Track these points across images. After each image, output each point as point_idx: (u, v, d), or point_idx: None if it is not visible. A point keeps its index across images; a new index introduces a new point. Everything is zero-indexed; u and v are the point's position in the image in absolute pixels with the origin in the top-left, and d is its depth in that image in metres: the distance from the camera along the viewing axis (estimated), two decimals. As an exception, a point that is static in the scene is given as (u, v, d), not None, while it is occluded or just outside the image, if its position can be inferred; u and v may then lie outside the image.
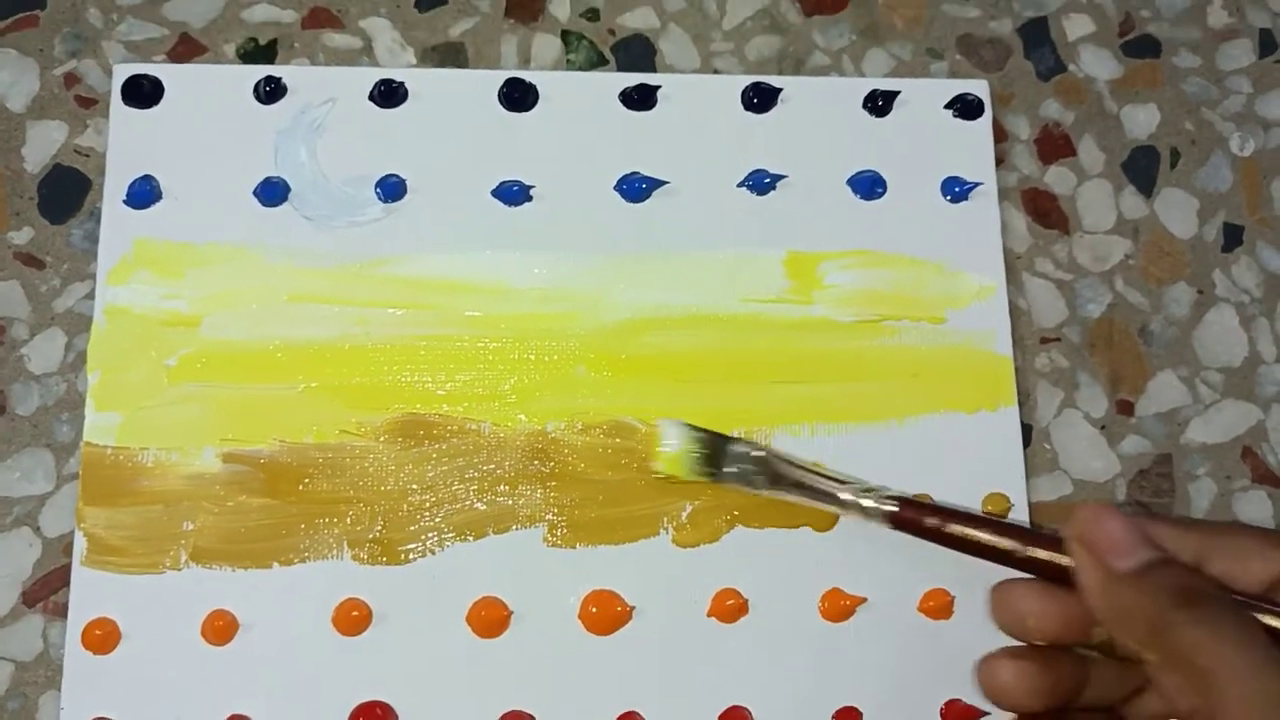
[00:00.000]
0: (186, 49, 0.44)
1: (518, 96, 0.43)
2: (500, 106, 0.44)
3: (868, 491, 0.37)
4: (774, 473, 0.39)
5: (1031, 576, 0.31)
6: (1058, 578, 0.30)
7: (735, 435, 0.40)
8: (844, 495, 0.37)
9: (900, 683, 0.40)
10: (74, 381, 0.40)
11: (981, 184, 0.44)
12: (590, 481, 0.40)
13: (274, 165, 0.42)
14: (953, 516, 0.34)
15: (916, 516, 0.35)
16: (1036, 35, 0.48)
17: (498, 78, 0.44)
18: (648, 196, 0.43)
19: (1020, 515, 0.41)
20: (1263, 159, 0.47)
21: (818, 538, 0.41)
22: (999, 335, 0.43)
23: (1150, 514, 0.43)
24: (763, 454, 0.39)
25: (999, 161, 0.45)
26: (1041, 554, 0.30)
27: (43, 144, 0.43)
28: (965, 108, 0.45)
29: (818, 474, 0.39)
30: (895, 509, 0.36)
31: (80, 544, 0.38)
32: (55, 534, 0.39)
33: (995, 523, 0.33)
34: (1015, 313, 0.44)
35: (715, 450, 0.39)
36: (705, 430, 0.40)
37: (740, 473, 0.39)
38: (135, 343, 0.40)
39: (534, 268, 0.42)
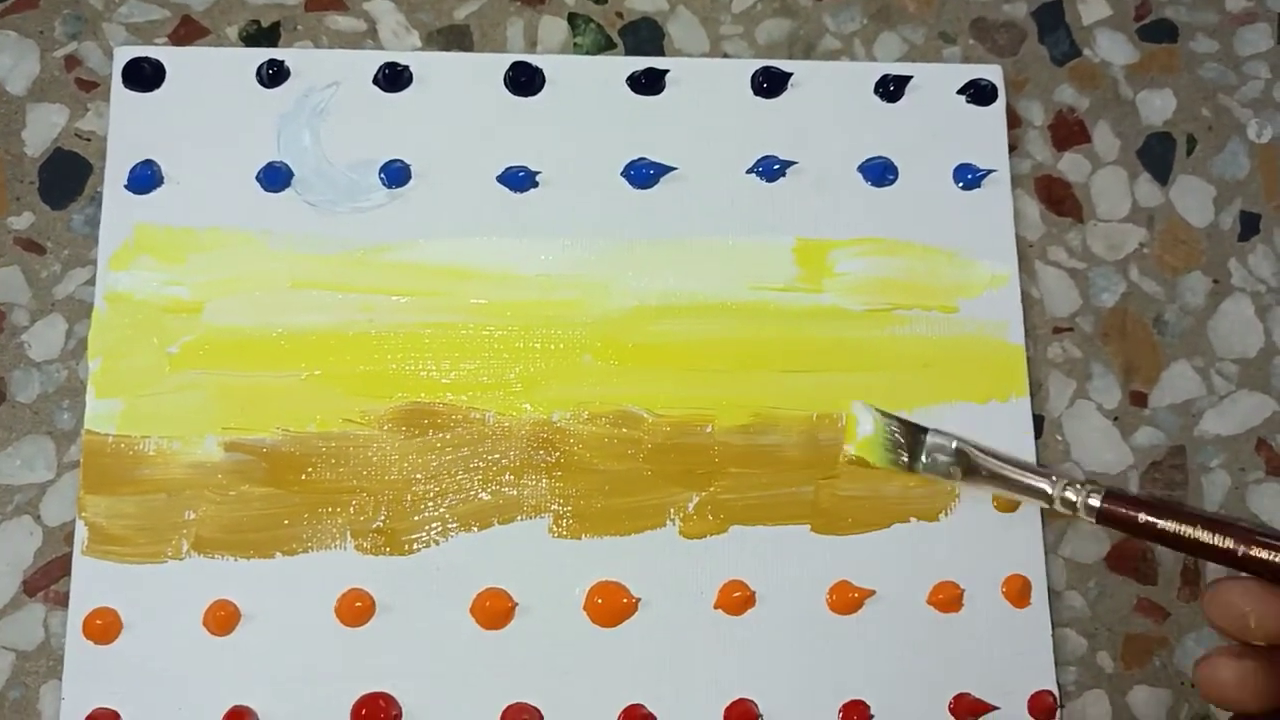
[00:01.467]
0: (188, 31, 0.43)
1: (524, 80, 0.43)
2: (506, 91, 0.43)
3: (1070, 484, 0.36)
4: (970, 464, 0.38)
5: (1249, 576, 0.30)
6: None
7: (929, 426, 0.39)
8: (1045, 487, 0.36)
9: (909, 676, 0.39)
10: (75, 368, 0.40)
11: (994, 171, 0.44)
12: (596, 471, 0.40)
13: (277, 150, 0.41)
14: (1165, 512, 0.33)
15: (1125, 511, 0.34)
16: (1051, 19, 0.47)
17: (503, 61, 0.43)
18: (655, 183, 0.42)
19: (1032, 508, 0.41)
20: (1280, 146, 0.46)
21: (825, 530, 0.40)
22: (1011, 325, 0.43)
23: None
24: (959, 445, 0.39)
25: (1012, 148, 0.45)
26: (1265, 555, 0.30)
27: (43, 127, 0.42)
28: (978, 93, 0.44)
29: (1015, 464, 0.38)
30: (1101, 504, 0.35)
31: (81, 533, 0.38)
32: (56, 522, 0.39)
33: (1211, 519, 0.32)
34: (1028, 302, 0.43)
35: (910, 440, 0.39)
36: (898, 418, 0.39)
37: (935, 463, 0.38)
38: (136, 329, 0.39)
39: (540, 254, 0.42)
